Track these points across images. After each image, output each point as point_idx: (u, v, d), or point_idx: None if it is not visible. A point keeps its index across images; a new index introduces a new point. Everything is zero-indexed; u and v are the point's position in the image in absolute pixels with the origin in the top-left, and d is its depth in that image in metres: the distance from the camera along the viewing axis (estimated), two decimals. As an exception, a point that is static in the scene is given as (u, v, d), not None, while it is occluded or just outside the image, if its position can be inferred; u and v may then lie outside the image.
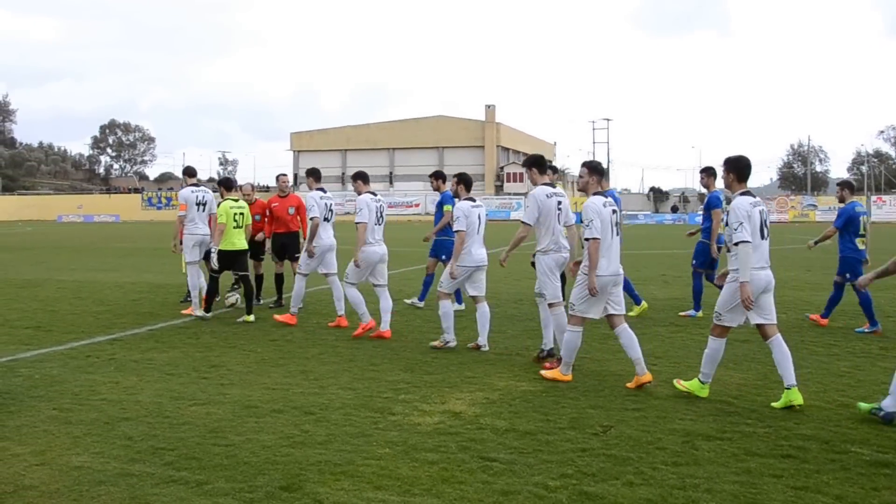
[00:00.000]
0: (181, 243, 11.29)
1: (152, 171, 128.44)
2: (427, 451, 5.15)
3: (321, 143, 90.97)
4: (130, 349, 8.66)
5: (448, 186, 11.08)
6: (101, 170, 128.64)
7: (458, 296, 11.04)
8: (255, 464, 4.91)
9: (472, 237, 8.46)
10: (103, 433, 5.55)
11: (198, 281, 11.20)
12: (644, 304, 11.15)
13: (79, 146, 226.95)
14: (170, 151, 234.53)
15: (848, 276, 9.89)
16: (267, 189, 71.98)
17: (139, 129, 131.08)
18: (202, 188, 11.58)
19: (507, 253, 8.10)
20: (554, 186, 7.95)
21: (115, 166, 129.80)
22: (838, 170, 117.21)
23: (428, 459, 4.98)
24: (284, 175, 12.80)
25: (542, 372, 7.30)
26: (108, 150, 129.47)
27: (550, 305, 7.87)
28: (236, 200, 10.89)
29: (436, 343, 8.71)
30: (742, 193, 6.38)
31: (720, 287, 6.61)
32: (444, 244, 11.14)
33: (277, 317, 10.46)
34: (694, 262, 11.15)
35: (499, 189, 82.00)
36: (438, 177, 11.65)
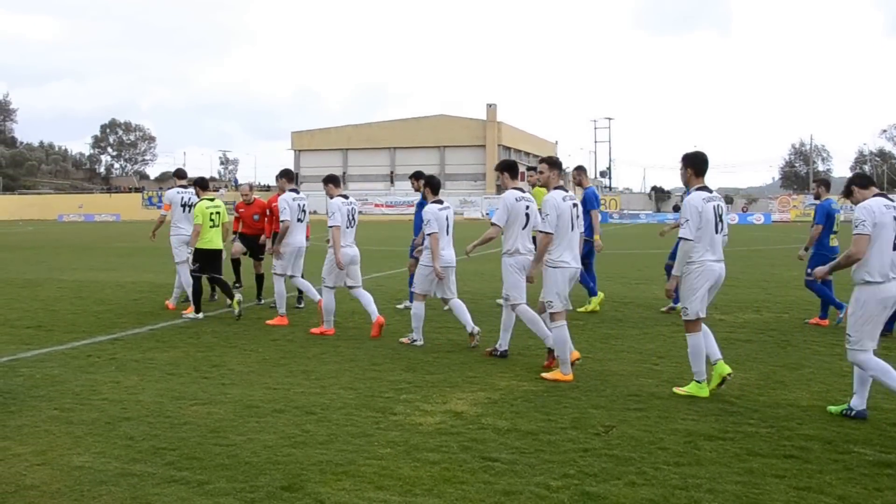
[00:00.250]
0: (155, 234, 11.91)
1: (153, 171, 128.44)
2: (429, 451, 5.14)
3: (322, 142, 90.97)
4: (131, 349, 8.65)
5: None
6: (102, 169, 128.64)
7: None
8: (256, 464, 4.90)
9: (443, 238, 8.70)
10: (104, 433, 5.54)
11: (189, 279, 11.24)
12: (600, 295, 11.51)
13: (79, 145, 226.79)
14: (171, 151, 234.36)
15: (809, 271, 10.13)
16: (268, 188, 72.02)
17: (140, 129, 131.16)
18: (190, 190, 11.69)
19: (474, 246, 8.32)
20: (523, 192, 8.17)
21: (116, 166, 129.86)
22: (841, 169, 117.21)
23: (429, 459, 4.97)
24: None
25: (544, 374, 7.29)
26: (109, 150, 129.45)
27: (514, 307, 7.98)
28: (212, 200, 10.92)
29: (403, 340, 8.98)
30: (698, 189, 6.60)
31: None
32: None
33: (269, 322, 10.39)
34: (669, 260, 11.21)
35: (500, 189, 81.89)
36: (419, 177, 11.71)
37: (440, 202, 8.88)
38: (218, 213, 10.82)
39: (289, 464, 4.89)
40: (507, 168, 8.36)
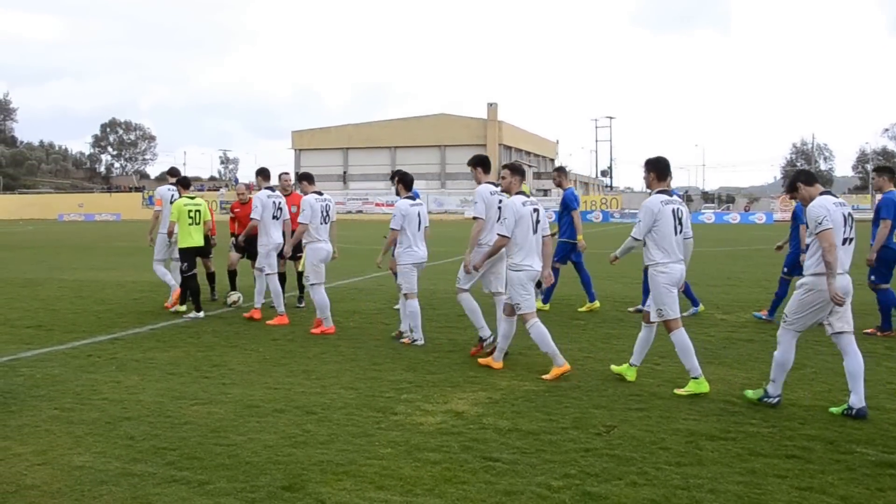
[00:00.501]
0: (155, 238, 11.93)
1: (153, 170, 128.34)
2: (429, 450, 5.13)
3: (322, 141, 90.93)
4: (132, 348, 8.65)
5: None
6: (102, 168, 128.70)
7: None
8: (256, 463, 4.89)
9: (415, 235, 8.84)
10: (105, 433, 5.54)
11: (161, 272, 11.70)
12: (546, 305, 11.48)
13: (80, 145, 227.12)
14: (171, 150, 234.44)
15: (785, 269, 10.51)
16: (271, 189, 71.89)
17: (140, 128, 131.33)
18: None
19: (470, 254, 8.07)
20: (496, 185, 8.25)
21: (116, 165, 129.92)
22: (843, 168, 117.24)
23: (430, 459, 4.97)
24: (287, 174, 12.78)
25: (544, 376, 7.25)
26: (109, 149, 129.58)
27: (462, 292, 8.28)
28: (192, 198, 11.07)
29: (404, 339, 9.03)
30: (659, 192, 6.84)
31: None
32: None
33: (269, 321, 10.38)
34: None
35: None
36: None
37: (412, 198, 8.99)
38: (198, 210, 10.98)
39: (289, 464, 4.88)
40: (480, 163, 8.49)
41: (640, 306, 11.24)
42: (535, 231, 7.39)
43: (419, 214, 8.94)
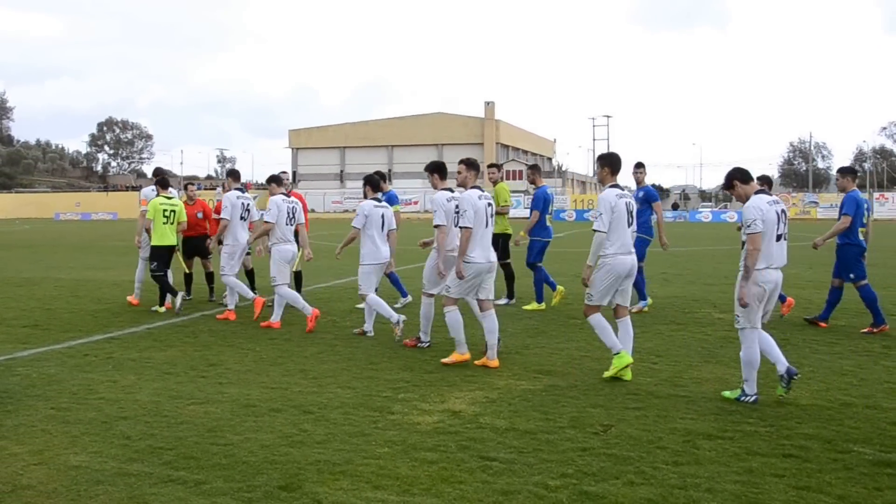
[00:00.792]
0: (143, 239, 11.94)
1: (150, 169, 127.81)
2: (426, 450, 5.13)
3: (319, 140, 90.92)
4: (128, 348, 8.63)
5: (389, 186, 11.78)
6: (99, 167, 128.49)
7: (401, 289, 11.62)
8: (253, 463, 4.88)
9: (379, 236, 9.14)
10: (101, 432, 5.52)
11: (144, 275, 11.89)
12: (560, 288, 11.51)
13: (76, 144, 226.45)
14: (168, 149, 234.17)
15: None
16: (264, 187, 71.90)
17: (137, 127, 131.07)
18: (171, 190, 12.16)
19: (441, 260, 8.12)
20: (453, 191, 8.48)
21: (113, 164, 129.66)
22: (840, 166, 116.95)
23: (427, 459, 4.96)
24: (284, 172, 12.75)
25: (443, 360, 7.76)
26: (106, 148, 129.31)
27: (432, 297, 8.58)
28: (169, 198, 11.29)
29: (357, 330, 9.43)
30: (611, 186, 7.17)
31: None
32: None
33: (262, 323, 10.32)
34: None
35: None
36: (380, 178, 11.96)
37: (377, 199, 9.31)
38: (174, 210, 11.24)
39: (286, 463, 4.87)
40: (436, 170, 8.70)
41: (639, 304, 11.26)
42: (487, 225, 7.76)
43: (383, 216, 9.22)
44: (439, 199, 8.25)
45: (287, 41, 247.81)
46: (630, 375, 7.10)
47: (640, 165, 11.65)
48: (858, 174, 10.44)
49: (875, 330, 9.43)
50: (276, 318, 9.98)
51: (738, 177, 6.59)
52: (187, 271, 12.50)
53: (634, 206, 7.31)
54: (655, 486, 4.50)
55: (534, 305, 11.55)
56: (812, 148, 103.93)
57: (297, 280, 12.12)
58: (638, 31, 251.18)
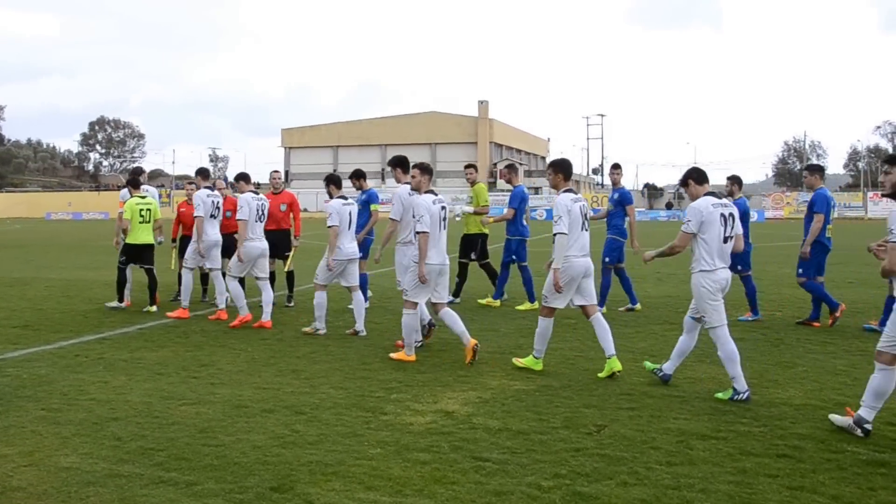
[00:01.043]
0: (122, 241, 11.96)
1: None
2: (419, 450, 5.11)
3: (312, 139, 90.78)
4: (119, 348, 8.58)
5: (369, 184, 11.90)
6: (90, 167, 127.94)
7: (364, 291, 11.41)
8: (245, 464, 4.85)
9: (344, 233, 9.32)
10: (92, 433, 5.48)
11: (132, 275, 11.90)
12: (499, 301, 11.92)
13: (68, 143, 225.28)
14: (160, 148, 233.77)
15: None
16: (258, 186, 71.80)
17: (129, 126, 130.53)
18: (144, 187, 12.39)
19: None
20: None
21: (105, 163, 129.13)
22: (835, 166, 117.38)
23: (420, 459, 4.94)
24: (277, 172, 12.72)
25: (391, 355, 8.00)
26: (98, 147, 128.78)
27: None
28: (143, 198, 11.56)
29: (307, 329, 9.55)
30: (566, 191, 7.37)
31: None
32: (367, 243, 11.34)
33: (255, 324, 10.24)
34: (606, 258, 11.26)
35: (492, 185, 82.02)
36: (359, 176, 12.00)
37: (344, 198, 9.48)
38: (149, 209, 11.52)
39: (278, 464, 4.84)
40: (399, 164, 9.05)
41: (629, 305, 11.29)
42: (442, 228, 7.98)
43: (350, 214, 9.44)
44: (401, 193, 8.63)
45: (280, 40, 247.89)
46: (616, 366, 7.21)
47: (616, 167, 11.70)
48: (825, 170, 10.49)
49: (816, 324, 9.83)
50: (266, 318, 9.97)
51: (693, 176, 6.80)
52: (179, 271, 12.39)
53: (589, 210, 7.57)
54: (649, 486, 4.50)
55: (527, 305, 11.55)
56: (807, 147, 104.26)
57: (290, 280, 12.09)
58: (632, 30, 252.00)
